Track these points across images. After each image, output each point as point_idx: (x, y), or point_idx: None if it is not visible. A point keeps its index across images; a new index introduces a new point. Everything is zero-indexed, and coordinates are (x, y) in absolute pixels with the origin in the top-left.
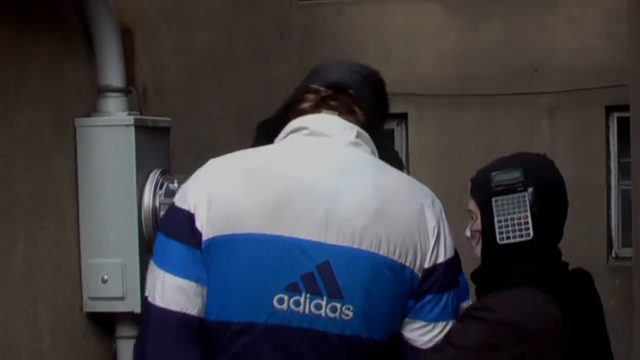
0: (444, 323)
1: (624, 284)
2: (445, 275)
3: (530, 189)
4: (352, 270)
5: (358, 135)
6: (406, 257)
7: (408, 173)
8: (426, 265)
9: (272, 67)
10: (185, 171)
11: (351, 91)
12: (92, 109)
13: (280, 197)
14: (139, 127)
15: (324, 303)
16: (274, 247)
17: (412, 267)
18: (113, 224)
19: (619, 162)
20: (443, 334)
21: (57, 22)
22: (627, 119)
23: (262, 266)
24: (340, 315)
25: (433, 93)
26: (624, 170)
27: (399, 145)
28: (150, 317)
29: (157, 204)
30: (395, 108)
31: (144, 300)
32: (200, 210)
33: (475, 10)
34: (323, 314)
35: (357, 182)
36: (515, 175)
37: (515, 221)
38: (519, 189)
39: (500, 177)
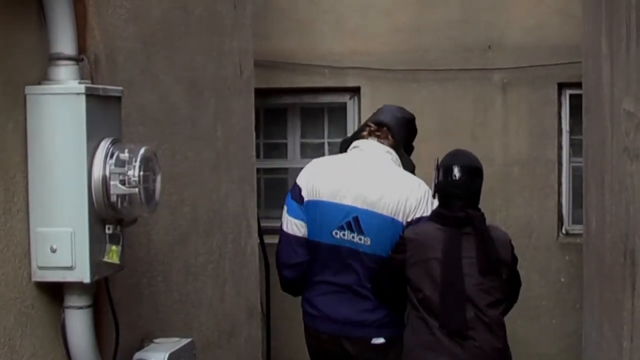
0: None
1: (574, 260)
2: None
3: (439, 170)
4: (370, 221)
5: (387, 151)
6: (398, 215)
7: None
8: (408, 219)
9: (225, 39)
10: (136, 141)
11: (384, 128)
12: (43, 77)
13: (338, 184)
14: (90, 95)
15: (355, 235)
16: (334, 208)
17: (401, 220)
18: (63, 193)
19: (570, 139)
20: None
21: None
22: (579, 96)
23: (328, 216)
24: (363, 242)
25: (387, 67)
26: (576, 147)
27: (351, 120)
28: (282, 237)
29: (108, 173)
30: (348, 82)
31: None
32: (304, 187)
33: None
34: (355, 241)
35: (376, 176)
36: (437, 162)
37: (433, 186)
38: (435, 169)
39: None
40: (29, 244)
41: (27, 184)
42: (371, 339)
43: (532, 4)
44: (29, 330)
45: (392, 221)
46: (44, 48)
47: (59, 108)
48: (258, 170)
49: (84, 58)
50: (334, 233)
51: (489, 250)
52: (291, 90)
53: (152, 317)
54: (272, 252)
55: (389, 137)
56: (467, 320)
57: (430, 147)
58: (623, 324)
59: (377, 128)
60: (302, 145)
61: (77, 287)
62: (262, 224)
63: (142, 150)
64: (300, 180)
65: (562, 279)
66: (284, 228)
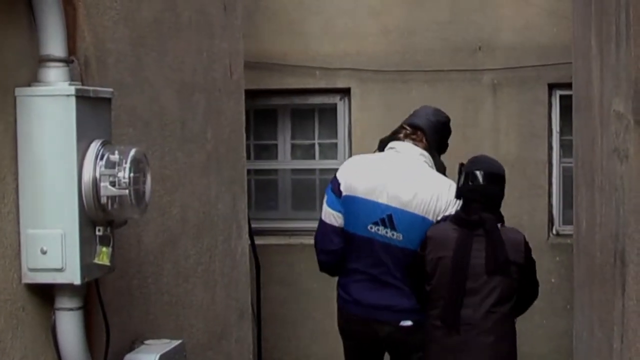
0: None
1: (564, 261)
2: None
3: (461, 174)
4: (401, 219)
5: (421, 154)
6: (428, 214)
7: (351, 152)
8: (438, 218)
9: (215, 41)
10: (126, 142)
11: (419, 132)
12: (33, 79)
13: (374, 183)
14: (80, 97)
15: (388, 230)
16: (370, 206)
17: (432, 219)
18: (53, 195)
19: (560, 139)
20: None
21: None
22: (569, 97)
23: (365, 212)
24: (396, 237)
25: (377, 68)
26: (566, 148)
27: (341, 121)
28: (320, 226)
29: (98, 174)
30: (338, 83)
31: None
32: (342, 182)
33: None
34: (388, 235)
35: (410, 177)
36: (460, 166)
37: (456, 189)
38: (459, 173)
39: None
40: (19, 245)
41: (17, 185)
42: (400, 322)
43: (522, 4)
44: (20, 332)
45: (423, 219)
46: (33, 50)
47: (49, 110)
48: (248, 171)
49: (74, 60)
50: (369, 227)
51: (497, 251)
52: (281, 91)
53: (143, 318)
54: (263, 253)
55: (423, 140)
56: (467, 316)
57: None
58: (613, 324)
59: (413, 131)
60: (293, 147)
61: (67, 288)
62: (252, 225)
63: (132, 152)
64: (340, 175)
65: (553, 280)
66: (322, 217)
